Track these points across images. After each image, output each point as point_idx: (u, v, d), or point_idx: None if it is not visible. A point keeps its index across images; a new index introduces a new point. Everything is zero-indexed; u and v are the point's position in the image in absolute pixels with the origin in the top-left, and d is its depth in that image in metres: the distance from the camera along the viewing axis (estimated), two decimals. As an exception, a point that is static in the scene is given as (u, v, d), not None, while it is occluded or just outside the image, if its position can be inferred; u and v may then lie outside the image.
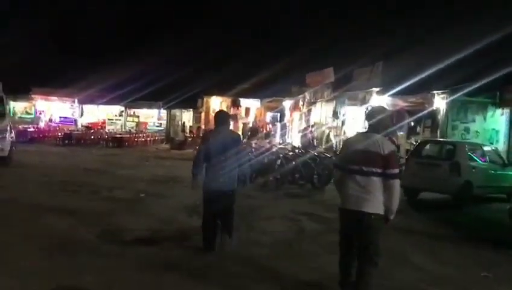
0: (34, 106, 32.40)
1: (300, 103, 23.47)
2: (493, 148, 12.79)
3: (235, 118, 26.17)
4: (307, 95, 22.67)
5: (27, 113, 32.66)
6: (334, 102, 19.72)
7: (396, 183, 4.36)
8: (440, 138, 13.75)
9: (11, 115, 31.32)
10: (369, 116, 4.66)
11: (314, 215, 9.05)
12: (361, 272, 4.39)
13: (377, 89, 16.99)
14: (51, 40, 39.67)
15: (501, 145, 13.83)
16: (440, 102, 14.09)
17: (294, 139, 21.84)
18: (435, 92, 14.21)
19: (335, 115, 19.68)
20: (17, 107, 32.49)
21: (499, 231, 8.70)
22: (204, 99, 28.87)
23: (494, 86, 13.67)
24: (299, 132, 21.68)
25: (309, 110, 23.03)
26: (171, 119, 33.23)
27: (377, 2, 21.49)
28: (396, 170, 4.43)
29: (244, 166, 6.47)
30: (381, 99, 16.87)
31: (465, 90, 13.64)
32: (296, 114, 24.25)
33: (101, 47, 39.00)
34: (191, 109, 32.45)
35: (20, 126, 27.85)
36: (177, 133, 30.29)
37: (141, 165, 17.11)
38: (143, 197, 10.20)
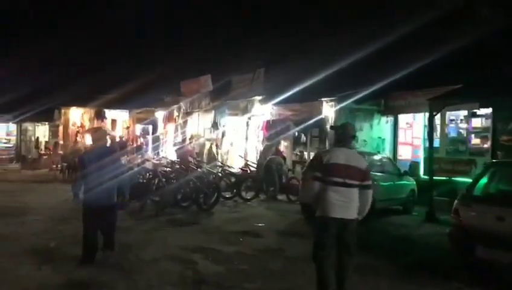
0: None
1: (175, 113, 21.54)
2: (386, 157, 12.34)
3: (100, 132, 23.32)
4: (183, 105, 20.84)
5: None
6: (213, 112, 18.20)
7: (370, 192, 5.04)
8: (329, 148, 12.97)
9: None
10: (339, 131, 5.18)
11: (211, 252, 7.22)
12: (345, 265, 4.93)
13: (260, 98, 15.90)
14: None
15: (386, 154, 13.52)
16: (328, 110, 13.36)
17: (169, 153, 19.82)
18: (323, 99, 13.44)
19: (214, 126, 18.15)
20: None
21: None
22: (62, 111, 25.29)
23: (380, 94, 13.32)
24: (175, 144, 19.72)
25: (185, 122, 21.18)
26: (21, 134, 28.63)
27: (255, 6, 20.48)
28: (370, 181, 5.08)
29: (122, 178, 6.54)
30: (264, 108, 15.82)
31: (353, 98, 13.08)
32: (171, 126, 22.21)
33: None
34: (46, 123, 28.30)
35: None
36: (30, 150, 26.14)
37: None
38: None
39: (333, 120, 13.03)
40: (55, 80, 29.10)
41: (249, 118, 16.53)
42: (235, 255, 7.09)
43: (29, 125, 28.64)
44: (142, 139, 23.92)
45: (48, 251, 6.98)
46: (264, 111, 15.76)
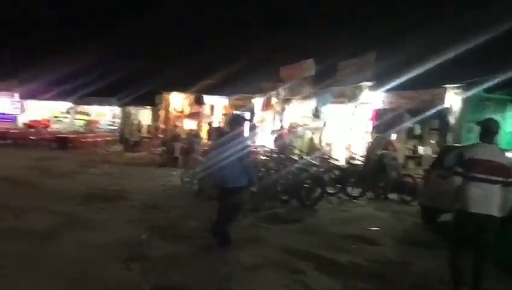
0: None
1: (273, 100, 20.58)
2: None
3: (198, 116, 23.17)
4: (281, 92, 19.81)
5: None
6: (315, 99, 16.92)
7: None
8: (453, 142, 11.16)
9: None
10: (484, 126, 5.01)
11: (320, 260, 6.08)
12: (481, 267, 4.78)
13: (369, 84, 14.34)
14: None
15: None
16: (454, 99, 11.50)
17: (266, 142, 18.95)
18: (448, 86, 11.61)
19: (316, 114, 16.88)
20: None
21: None
22: (164, 95, 25.54)
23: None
24: (273, 133, 18.80)
25: (283, 109, 20.16)
26: (125, 117, 29.62)
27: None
28: None
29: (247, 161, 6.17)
30: (374, 96, 14.25)
31: (483, 86, 11.12)
32: (268, 113, 21.32)
33: (49, 36, 35.01)
34: (149, 107, 28.95)
35: None
36: (132, 133, 26.86)
37: (82, 173, 13.73)
38: (61, 229, 6.93)
39: (460, 110, 11.17)
40: (158, 64, 29.74)
41: (356, 106, 15.04)
42: (350, 267, 5.88)
43: (132, 109, 29.52)
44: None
45: (139, 243, 6.30)
46: (373, 98, 14.19)
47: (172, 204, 9.38)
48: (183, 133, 19.91)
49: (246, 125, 22.68)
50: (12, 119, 28.54)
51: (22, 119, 28.73)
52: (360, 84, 14.64)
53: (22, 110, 29.37)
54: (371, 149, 12.67)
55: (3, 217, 7.30)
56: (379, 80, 14.00)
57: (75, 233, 6.67)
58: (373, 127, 14.03)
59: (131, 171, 14.93)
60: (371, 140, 13.41)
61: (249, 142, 6.79)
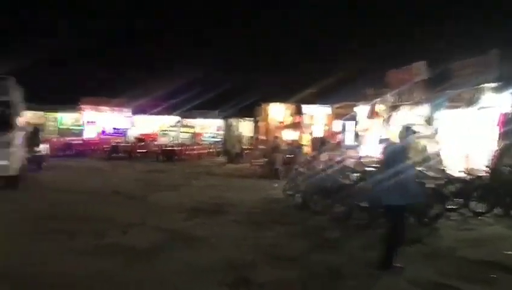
0: (82, 117, 30.35)
1: (379, 107, 19.35)
2: None
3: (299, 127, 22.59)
4: (388, 98, 18.54)
5: (76, 124, 30.71)
6: (428, 104, 15.47)
7: None
8: None
9: (59, 126, 29.73)
10: None
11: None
12: None
13: (493, 85, 12.69)
14: (103, 49, 38.18)
15: None
16: None
17: (371, 151, 17.76)
18: None
19: (428, 120, 15.42)
20: (66, 118, 30.69)
21: None
22: (263, 106, 25.40)
23: None
24: (380, 142, 17.58)
25: (390, 116, 18.84)
26: (228, 129, 30.02)
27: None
28: None
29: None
30: (498, 98, 12.58)
31: None
32: (373, 121, 20.10)
33: (155, 54, 36.96)
34: (250, 118, 29.05)
35: (65, 138, 25.94)
36: (234, 145, 27.06)
37: (186, 185, 13.80)
38: (163, 246, 6.68)
39: None
40: (258, 76, 29.86)
41: (476, 111, 13.41)
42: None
43: (234, 121, 29.84)
44: (341, 136, 22.41)
45: (244, 266, 5.79)
46: (498, 101, 12.52)
47: (275, 219, 8.84)
48: (284, 144, 19.47)
49: (348, 134, 21.81)
50: (124, 133, 30.26)
51: (133, 133, 30.35)
52: (480, 86, 13.04)
53: (133, 124, 31.04)
54: (497, 159, 11.11)
55: (110, 232, 7.26)
56: (505, 81, 12.33)
57: (176, 252, 6.38)
58: (500, 134, 12.36)
59: (233, 183, 14.75)
60: (497, 148, 11.79)
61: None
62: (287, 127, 23.56)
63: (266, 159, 17.66)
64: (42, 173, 15.33)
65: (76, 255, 6.00)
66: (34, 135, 16.11)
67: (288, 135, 22.65)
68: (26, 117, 16.34)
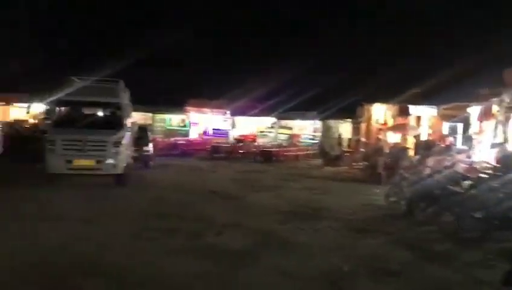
0: (188, 118, 31.77)
1: (495, 108, 17.62)
2: None
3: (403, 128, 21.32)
4: (506, 98, 16.79)
5: (181, 125, 32.23)
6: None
7: None
8: None
9: (167, 126, 31.39)
10: None
11: None
12: None
13: None
14: (209, 53, 39.62)
15: None
16: None
17: (486, 157, 16.18)
18: None
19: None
20: (174, 119, 32.38)
21: None
22: (365, 107, 24.45)
23: None
24: (493, 146, 15.99)
25: (507, 118, 17.06)
26: (326, 131, 29.45)
27: None
28: None
29: None
30: None
31: None
32: (488, 123, 18.36)
33: (254, 56, 37.52)
34: (349, 119, 28.21)
35: (171, 139, 27.23)
36: (333, 146, 26.44)
37: (283, 187, 13.63)
38: (256, 250, 6.52)
39: None
40: (358, 76, 28.95)
41: None
42: None
43: (332, 122, 29.21)
44: (451, 139, 20.82)
45: (340, 278, 5.42)
46: None
47: (376, 227, 8.31)
48: (387, 146, 18.52)
49: (458, 136, 20.18)
50: (226, 134, 31.10)
51: (233, 134, 31.07)
52: None
53: (233, 125, 31.78)
54: None
55: (205, 233, 7.30)
56: None
57: (270, 257, 6.19)
58: None
59: (331, 186, 14.30)
60: None
61: None
62: (391, 129, 22.44)
63: (367, 163, 16.91)
64: (149, 172, 16.14)
65: (174, 256, 6.06)
66: (143, 135, 17.01)
67: (392, 138, 21.55)
68: (135, 118, 17.41)
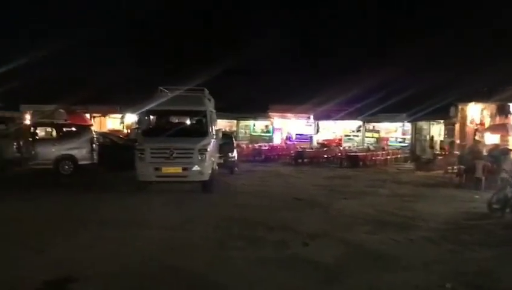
0: (271, 123, 31.84)
1: None
2: None
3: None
4: None
5: (265, 131, 32.39)
6: None
7: None
8: None
9: (251, 132, 31.72)
10: None
11: None
12: None
13: None
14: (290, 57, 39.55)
15: None
16: None
17: None
18: None
19: None
20: (257, 125, 32.65)
21: None
22: (459, 107, 22.85)
23: None
24: None
25: None
26: (416, 133, 27.96)
27: None
28: None
29: None
30: None
31: None
32: None
33: (343, 58, 36.80)
34: (441, 120, 26.50)
35: (255, 145, 27.40)
36: (425, 150, 25.00)
37: (371, 194, 12.99)
38: (349, 263, 6.13)
39: None
40: (451, 76, 27.18)
41: None
42: None
43: (424, 124, 27.70)
44: None
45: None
46: None
47: (479, 239, 7.53)
48: (486, 148, 17.06)
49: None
50: (309, 139, 30.70)
51: (317, 139, 30.57)
52: None
53: (317, 130, 31.30)
54: None
55: (291, 243, 7.04)
56: None
57: (362, 272, 5.79)
58: None
59: (423, 192, 13.39)
60: None
61: None
62: (489, 129, 20.71)
63: (464, 167, 15.67)
64: (234, 178, 16.25)
65: (260, 267, 5.87)
66: (228, 142, 17.18)
67: (491, 139, 19.86)
68: (220, 125, 17.68)
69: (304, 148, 26.31)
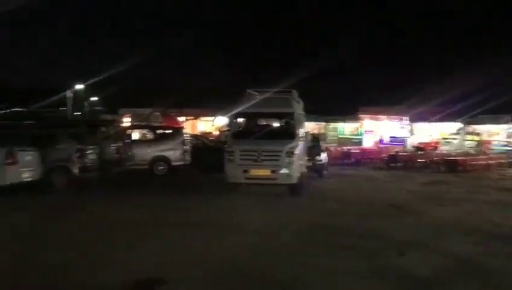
0: (361, 126, 30.88)
1: None
2: None
3: None
4: None
5: (355, 134, 31.49)
6: None
7: None
8: None
9: (340, 135, 31.03)
10: None
11: None
12: None
13: None
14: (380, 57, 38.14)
15: None
16: None
17: None
18: None
19: None
20: (347, 128, 31.86)
21: None
22: None
23: None
24: None
25: None
26: (524, 136, 25.57)
27: None
28: None
29: None
30: None
31: None
32: None
33: (436, 58, 34.77)
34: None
35: (344, 148, 26.72)
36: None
37: (472, 201, 11.95)
38: (450, 277, 5.58)
39: None
40: None
41: None
42: None
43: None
44: None
45: None
46: None
47: None
48: None
49: None
50: (403, 142, 29.30)
51: (412, 142, 29.10)
52: None
53: (411, 133, 29.84)
54: None
55: (384, 253, 6.60)
56: None
57: (467, 287, 5.22)
58: None
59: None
60: None
61: None
62: None
63: None
64: (322, 182, 15.91)
65: (349, 277, 5.53)
66: (316, 145, 16.87)
67: None
68: (308, 127, 17.43)
69: (398, 151, 25.11)
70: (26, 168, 11.88)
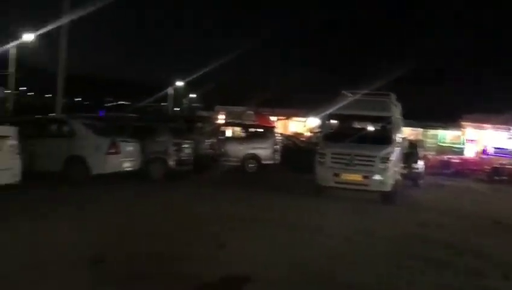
0: (463, 134, 28.90)
1: None
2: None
3: None
4: None
5: (456, 142, 29.55)
6: None
7: None
8: None
9: (439, 143, 29.35)
10: None
11: None
12: None
13: None
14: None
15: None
16: None
17: None
18: None
19: None
20: (447, 135, 30.04)
21: None
22: None
23: None
24: None
25: None
26: None
27: None
28: None
29: None
30: None
31: None
32: None
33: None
34: None
35: (444, 157, 25.19)
36: None
37: None
38: None
39: None
40: None
41: None
42: None
43: None
44: None
45: None
46: None
47: None
48: None
49: None
50: (509, 154, 26.92)
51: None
52: None
53: (521, 144, 27.33)
54: None
55: (486, 273, 5.99)
56: None
57: None
58: None
59: None
60: None
61: None
62: None
63: None
64: (418, 191, 15.10)
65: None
66: (413, 152, 16.06)
67: None
68: (406, 133, 16.61)
69: (503, 163, 23.12)
70: (127, 158, 12.50)
